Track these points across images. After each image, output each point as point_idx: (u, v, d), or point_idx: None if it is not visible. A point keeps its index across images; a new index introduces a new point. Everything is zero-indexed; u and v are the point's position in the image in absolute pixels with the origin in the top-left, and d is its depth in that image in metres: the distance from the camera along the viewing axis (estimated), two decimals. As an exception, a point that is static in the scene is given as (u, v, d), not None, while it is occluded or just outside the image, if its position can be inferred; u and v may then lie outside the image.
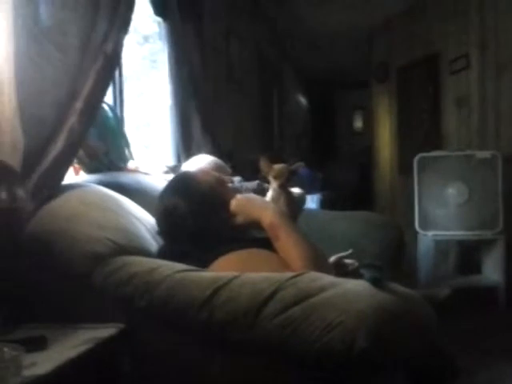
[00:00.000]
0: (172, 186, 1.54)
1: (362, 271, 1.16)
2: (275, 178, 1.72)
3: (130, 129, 2.66)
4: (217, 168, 1.97)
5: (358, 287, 1.07)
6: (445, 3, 4.54)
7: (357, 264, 1.64)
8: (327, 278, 1.11)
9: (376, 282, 1.07)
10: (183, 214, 1.43)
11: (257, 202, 1.50)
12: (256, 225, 1.45)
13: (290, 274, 1.12)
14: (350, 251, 1.70)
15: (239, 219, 1.47)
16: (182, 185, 1.52)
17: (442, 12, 4.58)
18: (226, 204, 1.48)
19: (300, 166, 1.75)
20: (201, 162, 2.03)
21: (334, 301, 1.02)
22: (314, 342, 0.99)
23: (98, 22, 1.59)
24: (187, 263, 1.28)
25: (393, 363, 1.03)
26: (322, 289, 1.06)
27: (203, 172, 1.59)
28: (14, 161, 1.23)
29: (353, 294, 1.04)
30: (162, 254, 1.46)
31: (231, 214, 1.47)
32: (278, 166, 1.74)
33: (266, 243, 1.40)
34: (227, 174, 2.04)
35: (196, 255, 1.37)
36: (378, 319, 0.98)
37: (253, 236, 1.55)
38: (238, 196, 1.52)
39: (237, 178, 2.27)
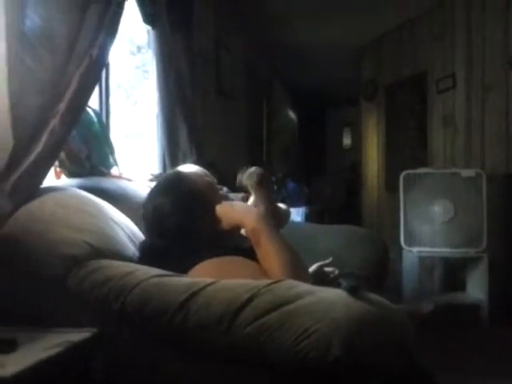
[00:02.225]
0: (163, 184, 1.53)
1: (340, 280, 1.15)
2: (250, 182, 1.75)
3: (119, 137, 2.67)
4: None
5: (333, 296, 1.06)
6: (432, 23, 4.62)
7: (337, 272, 1.64)
8: (304, 286, 1.11)
9: (352, 291, 1.07)
10: (168, 211, 1.42)
11: (240, 207, 1.50)
12: (239, 230, 1.44)
13: (266, 281, 1.12)
14: (330, 259, 1.70)
15: (223, 225, 1.46)
16: (172, 183, 1.51)
17: (430, 31, 4.65)
18: (213, 210, 1.47)
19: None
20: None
21: (310, 308, 1.02)
22: (289, 349, 0.98)
23: (84, 26, 1.59)
24: (166, 263, 1.27)
25: (367, 373, 1.02)
26: (299, 296, 1.06)
27: (196, 174, 1.57)
28: (1, 162, 1.24)
29: (328, 303, 1.03)
30: (142, 248, 1.46)
31: (216, 220, 1.47)
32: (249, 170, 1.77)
33: (249, 252, 1.39)
34: None
35: (176, 257, 1.36)
36: (352, 328, 0.97)
37: (237, 244, 1.54)
38: (223, 202, 1.51)
39: (224, 189, 2.26)
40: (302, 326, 0.99)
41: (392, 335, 1.07)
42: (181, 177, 1.53)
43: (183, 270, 1.30)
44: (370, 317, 1.02)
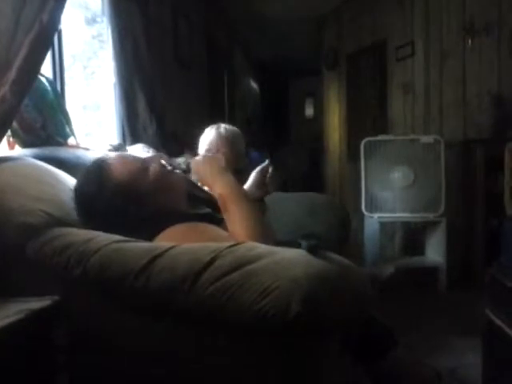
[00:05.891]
0: (87, 175, 1.42)
1: (300, 241, 1.17)
2: None
3: (76, 108, 2.60)
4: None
5: (294, 255, 1.08)
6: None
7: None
8: (264, 247, 1.12)
9: (312, 250, 1.09)
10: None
11: (213, 168, 1.44)
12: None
13: (228, 244, 1.13)
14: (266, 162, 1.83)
15: (194, 177, 1.46)
16: (95, 175, 1.40)
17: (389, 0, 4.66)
18: (152, 191, 1.41)
19: None
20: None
21: (271, 267, 1.03)
22: (250, 306, 0.99)
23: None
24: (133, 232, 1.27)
25: (329, 329, 1.05)
26: (260, 256, 1.07)
27: (120, 164, 1.43)
28: None
29: (289, 261, 1.05)
30: None
31: (189, 171, 1.46)
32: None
33: (220, 222, 1.40)
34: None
35: (141, 225, 1.35)
36: (312, 284, 0.99)
37: (209, 214, 1.54)
38: (200, 157, 1.51)
39: (181, 159, 2.23)
40: (263, 284, 1.00)
41: (351, 291, 1.09)
42: (101, 170, 1.40)
43: (148, 237, 1.30)
44: (330, 273, 1.04)
